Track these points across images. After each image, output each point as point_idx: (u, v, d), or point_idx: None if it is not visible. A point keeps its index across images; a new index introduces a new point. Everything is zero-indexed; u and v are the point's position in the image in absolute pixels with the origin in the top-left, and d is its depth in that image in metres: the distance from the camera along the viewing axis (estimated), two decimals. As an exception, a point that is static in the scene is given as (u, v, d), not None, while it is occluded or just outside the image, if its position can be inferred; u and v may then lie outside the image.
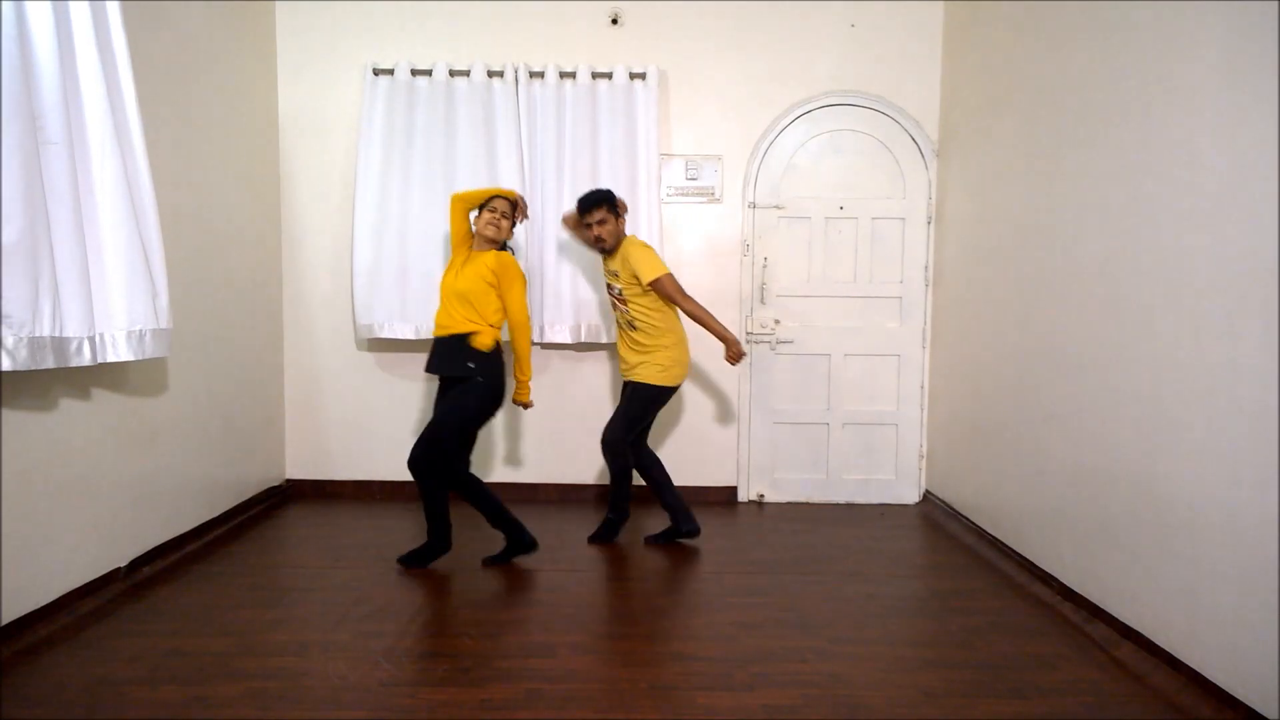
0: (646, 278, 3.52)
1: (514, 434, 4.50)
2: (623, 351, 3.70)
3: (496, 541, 3.57)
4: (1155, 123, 2.63)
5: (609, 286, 3.71)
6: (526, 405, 3.48)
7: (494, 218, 3.39)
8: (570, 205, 4.27)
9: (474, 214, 3.47)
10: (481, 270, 3.32)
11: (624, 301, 3.60)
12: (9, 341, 2.42)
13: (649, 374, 3.59)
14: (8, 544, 2.61)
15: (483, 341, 3.31)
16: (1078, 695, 2.41)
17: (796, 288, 4.47)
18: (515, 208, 3.47)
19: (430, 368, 3.39)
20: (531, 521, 4.03)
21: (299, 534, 3.88)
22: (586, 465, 4.52)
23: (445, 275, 3.42)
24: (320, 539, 3.79)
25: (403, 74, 4.22)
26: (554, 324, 4.34)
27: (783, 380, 4.50)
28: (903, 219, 4.45)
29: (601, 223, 3.56)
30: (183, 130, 3.50)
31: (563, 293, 4.32)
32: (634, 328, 3.61)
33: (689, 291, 3.67)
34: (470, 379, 3.29)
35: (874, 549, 3.76)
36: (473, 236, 3.48)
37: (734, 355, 3.57)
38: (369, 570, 3.36)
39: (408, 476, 4.47)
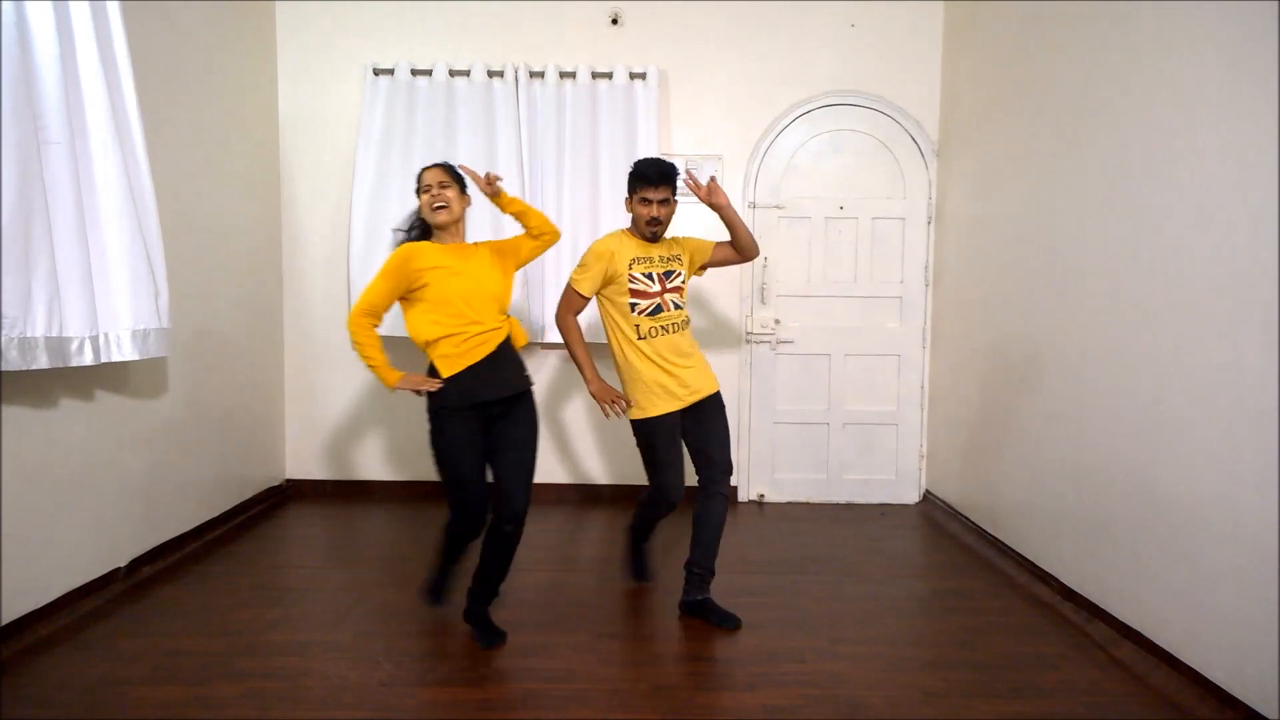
0: (709, 244, 3.07)
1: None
2: (680, 369, 2.92)
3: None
4: (1155, 123, 2.63)
5: (656, 277, 2.95)
6: None
7: (431, 197, 2.61)
8: (570, 206, 4.28)
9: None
10: (492, 259, 2.72)
11: (679, 292, 3.00)
12: (1, 341, 2.41)
13: (713, 377, 3.04)
14: (8, 544, 2.61)
15: (518, 339, 2.79)
16: (1078, 695, 2.41)
17: (796, 288, 4.47)
18: (455, 175, 2.69)
19: (496, 393, 2.63)
20: (533, 521, 4.03)
21: (299, 534, 3.88)
22: (588, 465, 4.52)
23: (450, 282, 2.58)
24: (320, 539, 3.79)
25: (403, 74, 4.22)
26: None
27: (783, 380, 4.50)
28: (903, 219, 4.45)
29: (665, 203, 2.91)
30: (183, 130, 3.50)
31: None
32: (688, 324, 3.03)
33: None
34: (529, 392, 2.78)
35: (874, 549, 3.76)
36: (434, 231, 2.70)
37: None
38: (369, 570, 3.36)
39: (407, 476, 4.49)
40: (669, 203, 2.92)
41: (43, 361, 2.55)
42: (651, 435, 2.92)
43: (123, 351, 2.85)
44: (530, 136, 4.27)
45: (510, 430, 2.67)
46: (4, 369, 2.44)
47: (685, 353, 2.96)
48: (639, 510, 3.16)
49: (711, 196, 2.93)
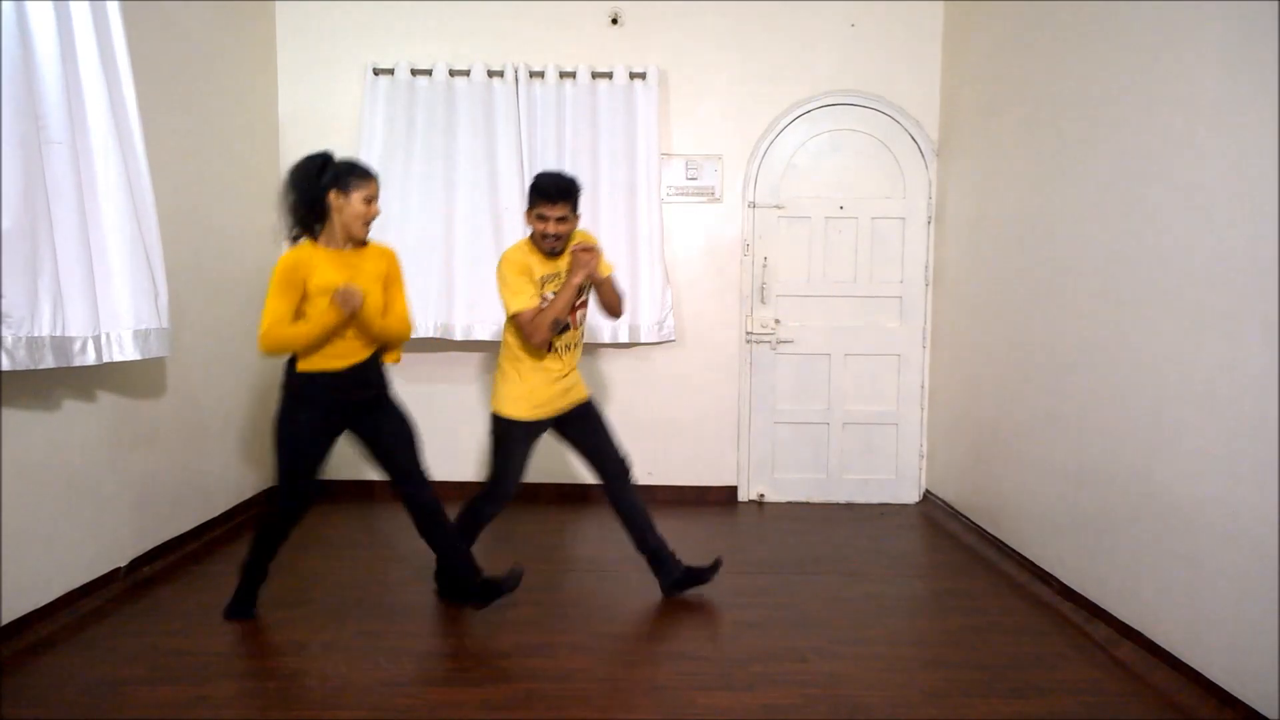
0: (606, 269, 2.96)
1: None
2: (559, 388, 2.98)
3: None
4: (1155, 122, 2.63)
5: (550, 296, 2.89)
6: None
7: (370, 211, 2.66)
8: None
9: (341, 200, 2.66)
10: (376, 277, 2.72)
11: (584, 307, 3.01)
12: (8, 341, 2.42)
13: (584, 387, 3.14)
14: (8, 544, 2.61)
15: (394, 356, 2.87)
16: (1078, 695, 2.41)
17: (796, 288, 4.47)
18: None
19: (345, 398, 2.71)
20: (531, 522, 4.05)
21: (299, 534, 3.87)
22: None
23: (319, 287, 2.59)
24: (321, 539, 3.79)
25: (403, 74, 4.22)
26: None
27: (783, 380, 4.50)
28: (903, 219, 4.45)
29: (563, 220, 2.80)
30: (183, 130, 3.50)
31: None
32: (581, 344, 3.08)
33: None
34: (388, 390, 2.86)
35: (874, 549, 3.75)
36: (334, 232, 2.67)
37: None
38: (369, 570, 3.36)
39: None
40: (567, 220, 2.81)
41: (49, 361, 2.55)
42: (512, 435, 2.94)
43: (124, 351, 2.85)
44: (530, 136, 4.27)
45: (380, 421, 2.76)
46: (13, 368, 2.44)
47: (565, 375, 2.97)
48: (472, 511, 3.01)
49: (593, 274, 2.83)
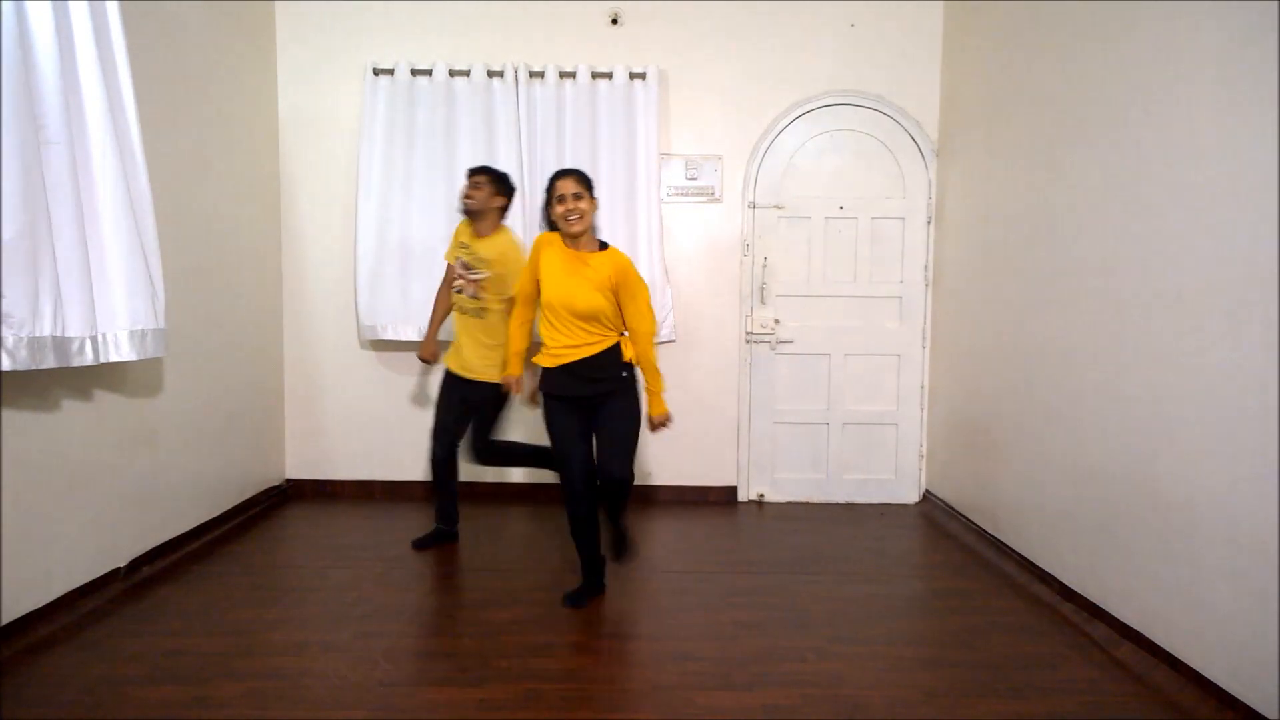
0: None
1: (514, 434, 4.49)
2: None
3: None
4: (1155, 122, 2.63)
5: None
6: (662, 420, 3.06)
7: (566, 209, 2.89)
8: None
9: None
10: (600, 281, 2.91)
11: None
12: (9, 341, 2.42)
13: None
14: (8, 544, 2.61)
15: (627, 350, 3.02)
16: (1078, 695, 2.41)
17: (796, 287, 4.47)
18: (587, 182, 2.96)
19: (577, 391, 2.97)
20: (529, 521, 4.05)
21: (299, 534, 3.88)
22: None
23: (554, 289, 2.92)
24: (320, 539, 3.79)
25: (403, 74, 4.22)
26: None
27: (783, 380, 4.50)
28: (903, 219, 4.45)
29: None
30: (183, 130, 3.50)
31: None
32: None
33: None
34: (627, 386, 3.03)
35: (874, 549, 3.76)
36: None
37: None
38: (369, 570, 3.36)
39: (407, 476, 4.48)
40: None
41: (50, 361, 2.55)
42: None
43: (121, 352, 2.85)
44: (530, 136, 4.27)
45: (603, 416, 3.00)
46: (16, 368, 2.44)
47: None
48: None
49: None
